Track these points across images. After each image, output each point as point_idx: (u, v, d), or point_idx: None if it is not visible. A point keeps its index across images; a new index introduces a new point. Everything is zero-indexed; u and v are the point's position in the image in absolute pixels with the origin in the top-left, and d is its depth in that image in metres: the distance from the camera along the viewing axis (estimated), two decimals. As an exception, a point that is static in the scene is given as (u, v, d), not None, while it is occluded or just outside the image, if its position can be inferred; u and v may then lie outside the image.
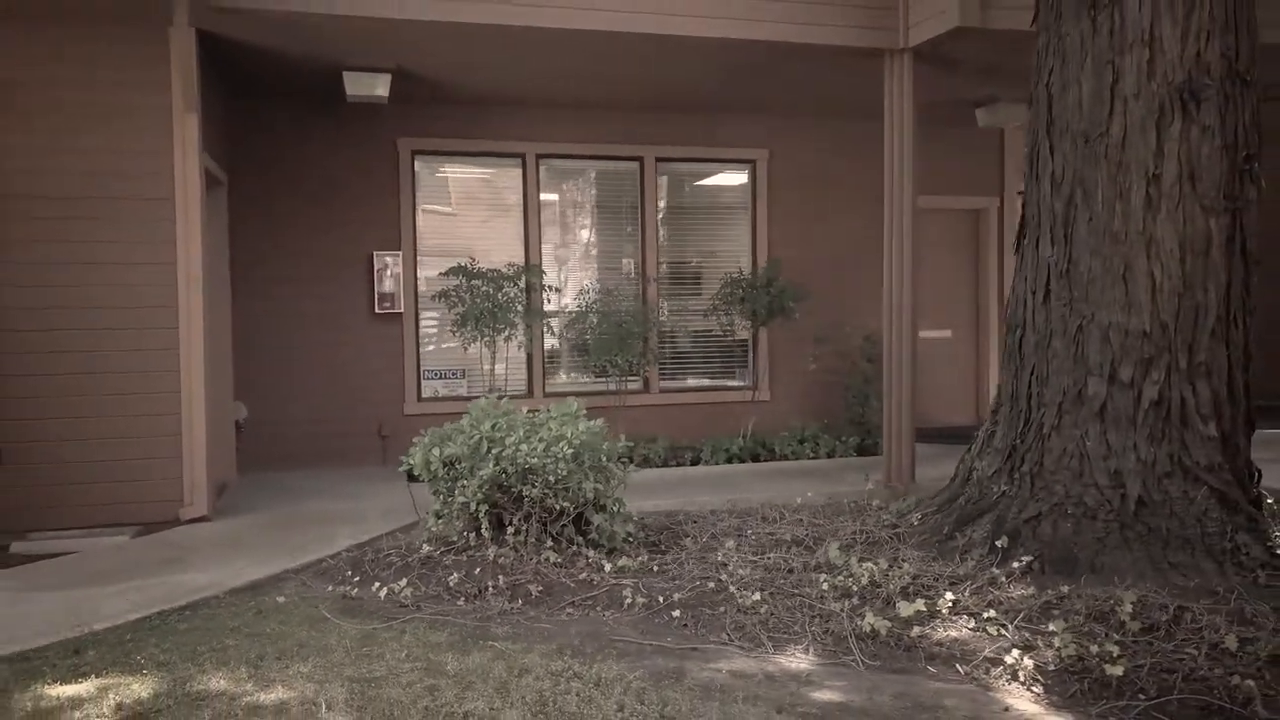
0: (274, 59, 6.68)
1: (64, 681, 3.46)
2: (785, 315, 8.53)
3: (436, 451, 5.08)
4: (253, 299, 7.78)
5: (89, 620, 4.25)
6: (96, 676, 3.49)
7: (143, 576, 4.95)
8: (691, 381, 9.03)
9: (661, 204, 8.91)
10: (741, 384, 9.03)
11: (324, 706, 3.13)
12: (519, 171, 8.49)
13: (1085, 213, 4.52)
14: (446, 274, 7.88)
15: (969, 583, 4.46)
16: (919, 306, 7.14)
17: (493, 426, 5.05)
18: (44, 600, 4.60)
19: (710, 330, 8.97)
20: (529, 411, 5.43)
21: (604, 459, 5.16)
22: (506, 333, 7.91)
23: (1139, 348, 4.40)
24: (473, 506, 4.95)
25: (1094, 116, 4.48)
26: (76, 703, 3.24)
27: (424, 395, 8.30)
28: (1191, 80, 4.28)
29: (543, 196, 8.59)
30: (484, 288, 7.74)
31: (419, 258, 8.28)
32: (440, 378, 8.40)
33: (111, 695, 3.29)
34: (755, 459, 8.21)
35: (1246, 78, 4.36)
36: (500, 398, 5.58)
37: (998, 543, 4.58)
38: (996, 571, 4.49)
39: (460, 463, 5.04)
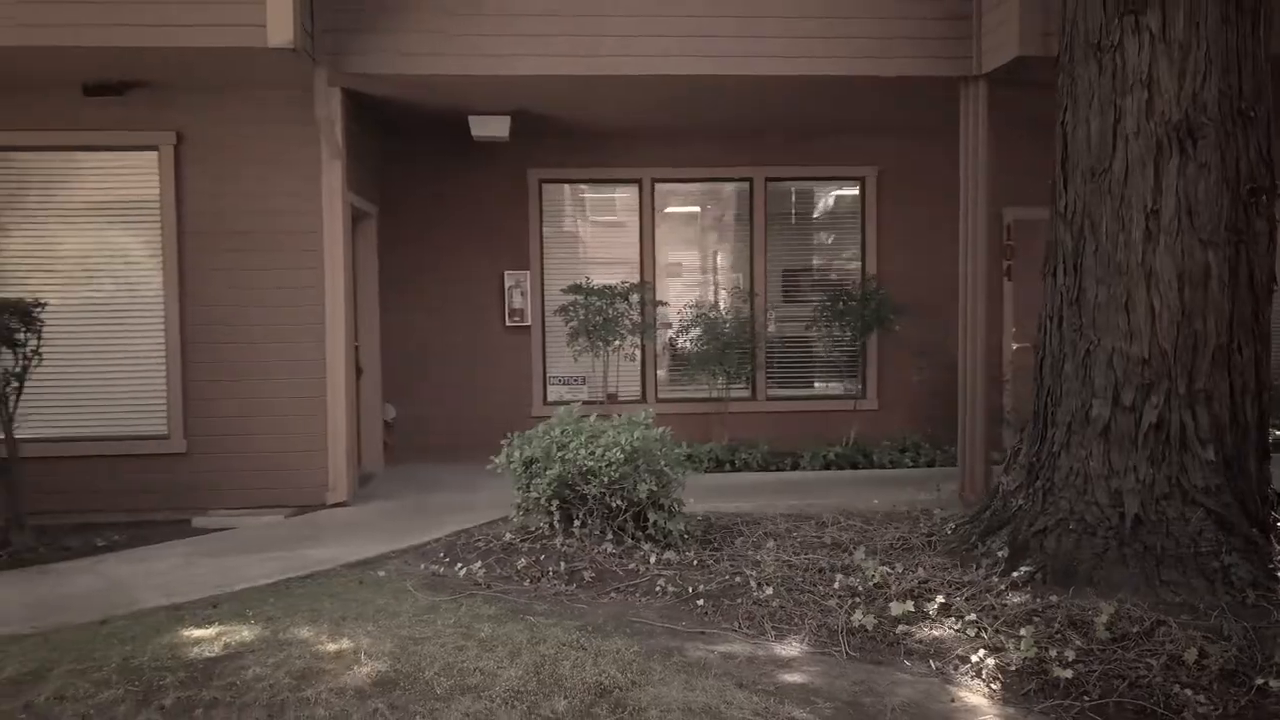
0: (410, 108, 7.73)
1: (197, 626, 4.48)
2: (884, 328, 8.87)
3: (516, 453, 5.90)
4: (400, 314, 8.90)
5: (232, 582, 5.32)
6: (220, 624, 4.50)
7: (282, 549, 6.03)
8: (798, 390, 9.50)
9: (770, 220, 9.40)
10: (847, 393, 9.40)
11: (365, 655, 3.97)
12: (636, 194, 9.24)
13: (1092, 244, 4.77)
14: (565, 291, 8.74)
15: (969, 588, 4.82)
16: (1018, 318, 7.36)
17: (561, 432, 5.82)
18: (206, 564, 5.75)
19: (817, 341, 9.39)
20: (618, 418, 6.15)
21: (661, 463, 5.81)
22: (616, 344, 8.68)
23: (1140, 373, 4.63)
24: (543, 501, 5.73)
25: (1099, 153, 4.73)
26: (198, 641, 4.23)
27: (549, 399, 9.19)
28: (1188, 119, 4.46)
29: (657, 216, 9.30)
30: (596, 303, 8.54)
31: (545, 275, 9.18)
32: (564, 383, 9.27)
33: (224, 637, 4.27)
34: (854, 466, 8.60)
35: (1251, 114, 4.49)
36: (578, 405, 6.34)
37: (1000, 553, 4.92)
38: (998, 580, 4.83)
39: (536, 463, 5.83)
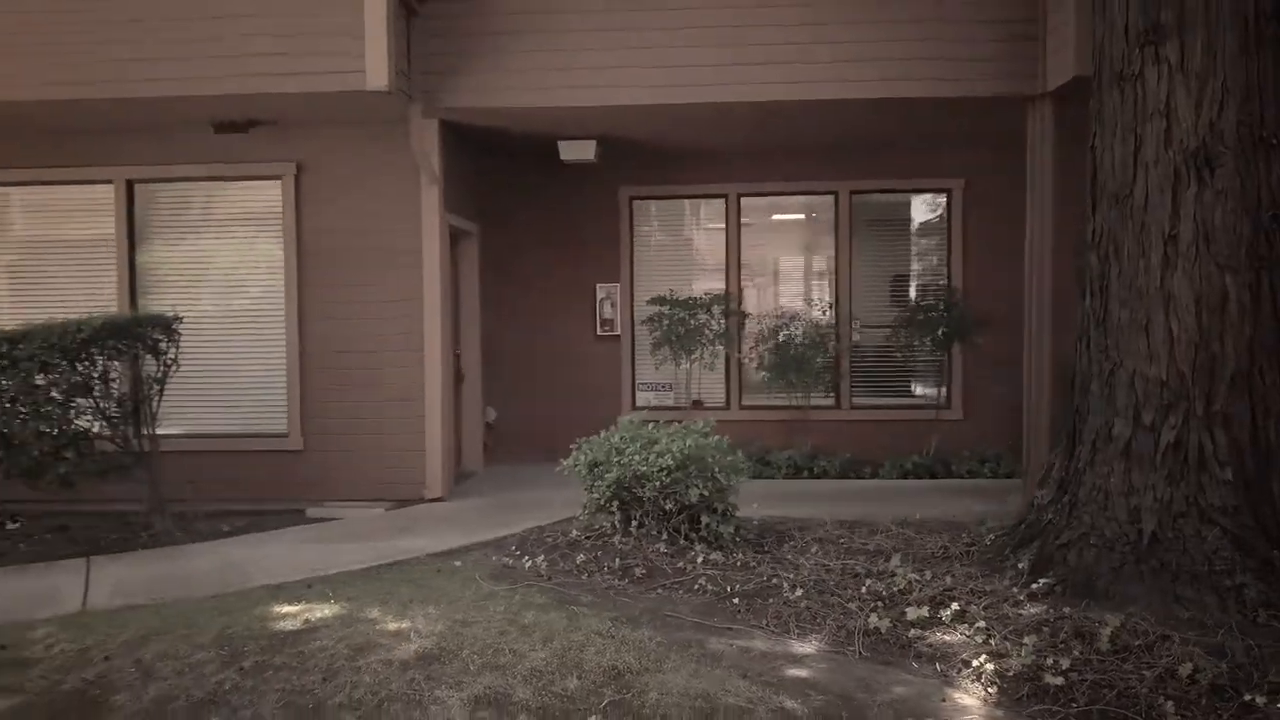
0: (504, 134, 8.36)
1: (288, 603, 5.17)
2: (964, 340, 8.97)
3: (582, 457, 6.41)
4: (500, 324, 9.57)
5: (328, 566, 6.03)
6: (306, 602, 5.17)
7: (377, 539, 6.74)
8: (882, 399, 9.67)
9: (855, 232, 9.61)
10: (930, 403, 9.52)
11: (417, 634, 4.55)
12: (722, 208, 9.63)
13: (1116, 268, 4.91)
14: (649, 302, 9.22)
15: (989, 597, 5.04)
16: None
17: (620, 438, 6.29)
18: (309, 550, 6.50)
19: (901, 351, 9.55)
20: (694, 424, 6.58)
21: (715, 469, 6.21)
22: (697, 354, 9.10)
23: (1159, 394, 4.74)
24: (603, 502, 6.22)
25: (1122, 179, 4.86)
26: (285, 616, 4.91)
27: (637, 404, 9.69)
28: (1205, 147, 4.55)
29: (743, 229, 9.65)
30: (678, 314, 8.99)
31: (634, 287, 9.69)
32: (652, 390, 9.75)
33: (306, 614, 4.93)
34: (933, 476, 8.75)
35: (1272, 142, 4.54)
36: (645, 411, 6.80)
37: (1020, 565, 5.11)
38: (1018, 591, 5.03)
39: (599, 466, 6.33)
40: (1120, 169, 4.87)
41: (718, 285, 9.59)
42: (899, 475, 8.72)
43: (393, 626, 4.72)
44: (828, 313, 9.60)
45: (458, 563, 6.11)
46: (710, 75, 7.25)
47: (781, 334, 9.32)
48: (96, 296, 7.99)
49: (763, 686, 4.16)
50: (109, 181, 7.95)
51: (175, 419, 7.69)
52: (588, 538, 6.35)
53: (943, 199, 9.52)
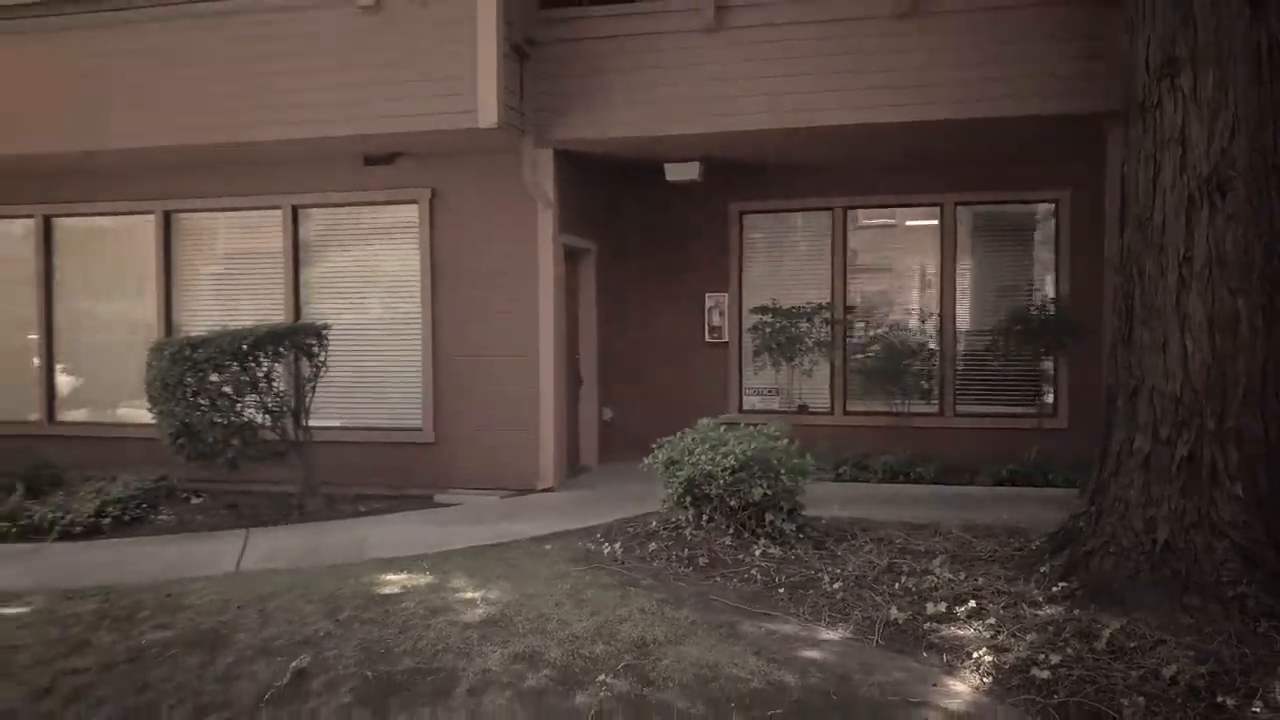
0: (614, 159, 9.12)
1: (393, 573, 6.09)
2: (1066, 349, 9.03)
3: (660, 455, 7.07)
4: (617, 331, 10.35)
5: (439, 544, 6.95)
6: (408, 573, 6.08)
7: (486, 523, 7.63)
8: (985, 407, 9.82)
9: (960, 244, 9.81)
10: (1033, 411, 9.60)
11: (485, 601, 5.35)
12: (829, 220, 10.04)
13: (1139, 288, 5.13)
14: (753, 311, 9.77)
15: (1010, 598, 5.36)
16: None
17: (693, 440, 6.91)
18: (427, 530, 7.46)
19: (1004, 360, 9.67)
20: (774, 429, 7.13)
21: (781, 471, 6.73)
22: (797, 360, 9.57)
23: (1174, 410, 4.95)
24: (676, 497, 6.87)
25: (1144, 204, 5.08)
26: (387, 583, 5.82)
27: (744, 408, 10.24)
28: (1217, 174, 4.73)
29: (849, 241, 10.03)
30: (779, 323, 9.49)
31: (743, 296, 10.24)
32: (758, 394, 10.28)
33: (404, 582, 5.84)
34: (1030, 484, 8.86)
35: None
36: (724, 416, 7.38)
37: (1045, 569, 5.40)
38: (1039, 593, 5.33)
39: (675, 464, 6.97)
40: (1143, 193, 5.10)
41: (824, 294, 10.01)
42: (993, 482, 8.88)
43: (469, 595, 5.54)
44: (930, 321, 9.84)
45: (548, 546, 6.89)
46: (812, 101, 7.73)
47: (882, 342, 9.65)
48: (270, 305, 9.30)
49: (770, 663, 4.71)
50: (277, 208, 9.23)
51: (326, 413, 8.86)
52: (664, 529, 7.00)
53: (1047, 209, 9.58)
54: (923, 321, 9.90)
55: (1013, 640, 4.87)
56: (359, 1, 7.71)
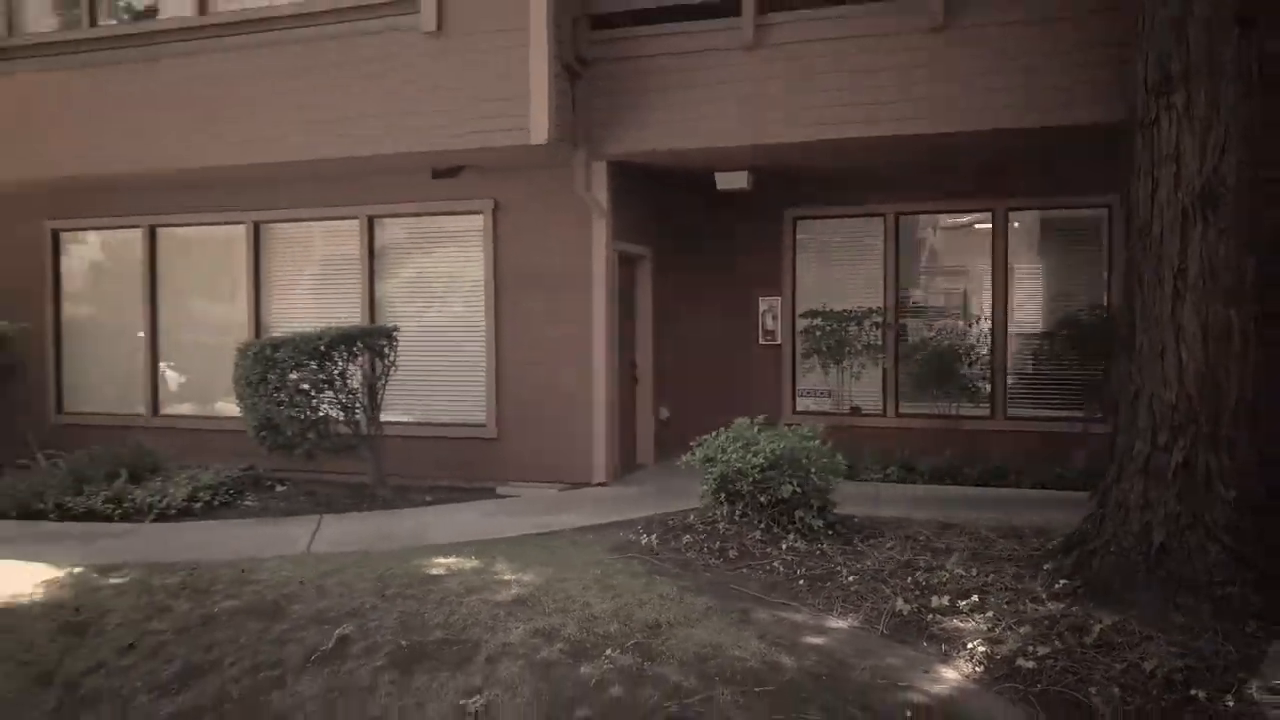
0: (667, 169, 9.53)
1: (443, 556, 6.63)
2: (1112, 353, 9.05)
3: (698, 453, 7.46)
4: (673, 332, 10.75)
5: (491, 532, 7.48)
6: (457, 557, 6.61)
7: (539, 515, 8.13)
8: (1035, 411, 9.90)
9: (1012, 248, 9.91)
10: (1082, 415, 9.64)
11: (519, 584, 5.83)
12: (881, 225, 10.26)
13: (1139, 298, 5.30)
14: (804, 315, 10.05)
15: (1014, 594, 5.59)
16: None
17: (728, 438, 7.28)
18: (484, 520, 8.00)
19: (1055, 364, 9.74)
20: (807, 429, 7.46)
21: (811, 470, 7.04)
22: (846, 363, 9.82)
23: (1171, 417, 5.12)
24: (712, 493, 7.25)
25: (1145, 217, 5.25)
26: (436, 565, 6.36)
27: (798, 409, 10.53)
28: (1209, 188, 4.89)
29: (900, 244, 10.22)
30: (828, 326, 9.76)
31: (796, 300, 10.53)
32: (810, 395, 10.56)
33: (451, 565, 6.36)
34: (1074, 488, 8.92)
35: (1274, 182, 4.80)
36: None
37: (1048, 567, 5.61)
38: (1042, 590, 5.55)
39: (709, 462, 7.35)
40: (1143, 207, 5.28)
41: (876, 298, 10.23)
42: (1039, 485, 8.98)
43: (507, 578, 6.04)
44: (981, 325, 9.97)
45: (590, 536, 7.35)
46: (852, 114, 8.02)
47: (933, 345, 9.83)
48: (348, 307, 10.00)
49: (773, 646, 5.06)
50: (355, 218, 9.93)
51: (397, 409, 9.49)
52: (701, 523, 7.38)
53: (1098, 215, 9.61)
54: (974, 325, 10.03)
55: (1008, 633, 5.12)
56: (424, 27, 8.29)
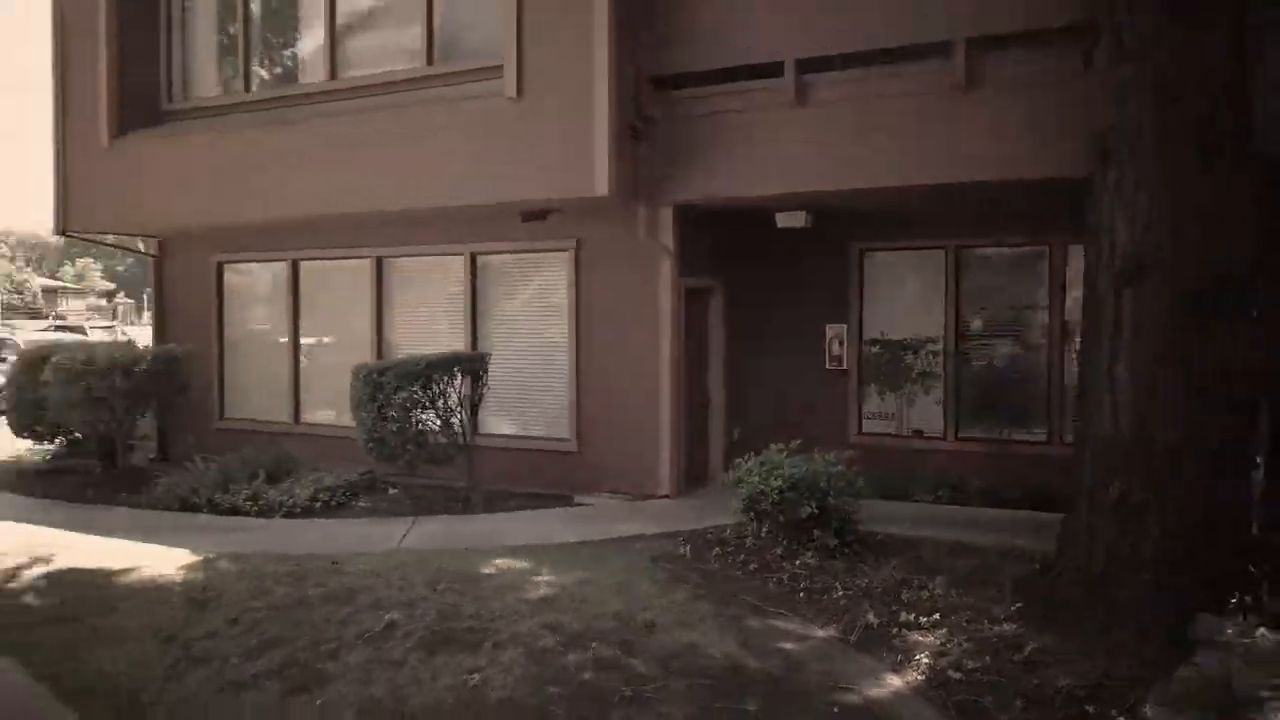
0: (730, 210, 10.39)
1: (502, 557, 7.77)
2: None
3: (731, 475, 8.32)
4: (743, 358, 11.58)
5: (552, 538, 8.57)
6: (510, 559, 7.73)
7: (600, 523, 9.18)
8: (1090, 438, 10.19)
9: (1070, 283, 10.23)
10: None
11: (549, 584, 6.88)
12: (942, 258, 10.78)
13: (1091, 348, 5.86)
14: (868, 343, 10.70)
15: (976, 614, 6.22)
16: None
17: (756, 462, 8.11)
18: (551, 526, 9.10)
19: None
20: (832, 455, 8.23)
21: (828, 493, 7.79)
22: (903, 389, 10.41)
23: (1109, 458, 5.67)
24: (741, 512, 8.10)
25: (1092, 276, 5.80)
26: (490, 564, 7.50)
27: (864, 430, 11.17)
28: (1138, 259, 5.41)
29: (961, 277, 10.71)
30: (886, 355, 10.38)
31: (863, 327, 11.17)
32: (876, 418, 11.17)
33: (504, 565, 7.49)
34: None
35: (1198, 253, 5.28)
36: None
37: (1012, 590, 6.22)
38: (1001, 612, 6.17)
39: (741, 483, 8.20)
40: (1092, 267, 5.83)
41: (938, 326, 10.76)
42: (1083, 511, 9.35)
43: (544, 578, 7.11)
44: (1039, 353, 10.35)
45: (637, 545, 8.33)
46: (872, 164, 8.72)
47: (991, 371, 10.30)
48: (454, 331, 11.36)
49: (744, 649, 5.92)
50: (460, 254, 11.27)
51: (491, 422, 10.76)
52: (735, 538, 8.25)
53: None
54: (1031, 353, 10.41)
55: (955, 648, 5.80)
56: (507, 93, 9.49)
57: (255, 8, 11.95)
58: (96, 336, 30.68)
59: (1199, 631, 4.92)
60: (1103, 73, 5.82)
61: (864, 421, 11.24)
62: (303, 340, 12.59)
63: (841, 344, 11.22)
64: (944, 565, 7.42)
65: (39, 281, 66.58)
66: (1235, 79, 5.38)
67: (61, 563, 8.04)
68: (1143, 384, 5.45)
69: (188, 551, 8.15)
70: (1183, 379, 5.36)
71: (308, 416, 12.54)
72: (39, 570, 7.91)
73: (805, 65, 8.80)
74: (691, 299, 10.60)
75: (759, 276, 11.57)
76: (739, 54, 9.08)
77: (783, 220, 10.25)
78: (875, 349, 10.68)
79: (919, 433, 10.95)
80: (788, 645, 6.04)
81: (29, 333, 24.96)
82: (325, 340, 12.54)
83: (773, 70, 8.94)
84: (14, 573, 7.86)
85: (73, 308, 69.84)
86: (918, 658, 5.75)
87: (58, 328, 34.97)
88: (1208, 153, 5.29)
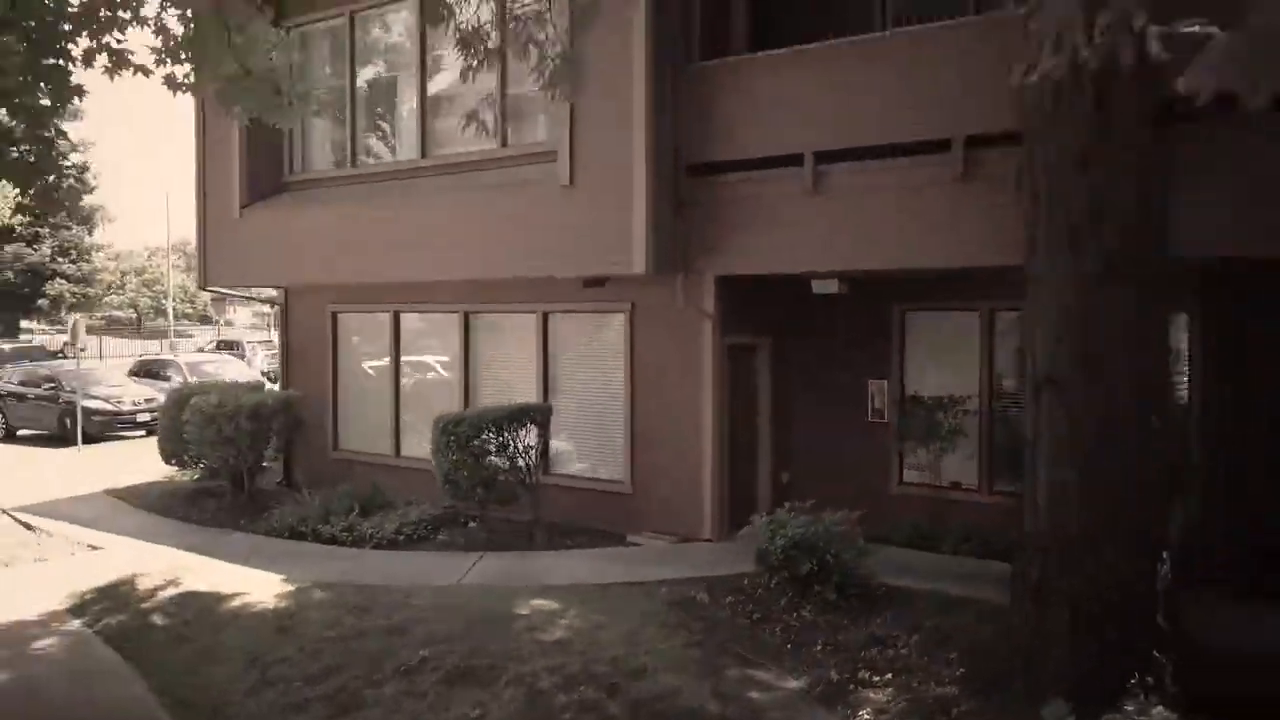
0: (769, 277, 11.29)
1: (541, 598, 8.95)
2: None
3: (747, 529, 9.26)
4: (789, 410, 12.41)
5: (593, 578, 9.68)
6: (549, 599, 8.89)
7: (640, 565, 10.22)
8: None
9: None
10: (1157, 506, 10.26)
11: (564, 625, 8.01)
12: (977, 320, 11.36)
13: (1025, 447, 6.57)
14: (908, 399, 11.40)
15: (925, 675, 7.01)
16: None
17: (766, 521, 9.02)
18: (597, 565, 10.22)
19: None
20: (839, 515, 9.08)
21: (827, 552, 8.62)
22: (943, 441, 11.08)
23: (1033, 542, 6.39)
24: (754, 564, 9.04)
25: (1021, 385, 6.52)
26: (528, 603, 8.69)
27: (904, 480, 11.85)
28: (1049, 372, 6.10)
29: (993, 338, 11.26)
30: (920, 411, 11.07)
31: (904, 383, 11.85)
32: (915, 470, 11.83)
33: (539, 605, 8.67)
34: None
35: (1104, 367, 5.94)
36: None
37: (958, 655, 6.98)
38: (947, 674, 6.93)
39: (752, 539, 9.13)
40: (1021, 376, 6.54)
41: (973, 384, 11.35)
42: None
43: (566, 621, 8.26)
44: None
45: (664, 589, 9.34)
46: (878, 246, 9.49)
47: (1007, 429, 10.84)
48: (528, 380, 12.65)
49: (714, 696, 6.92)
50: (534, 312, 12.56)
51: (558, 464, 12.00)
52: (751, 587, 9.17)
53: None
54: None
55: (895, 706, 6.63)
56: (561, 180, 10.70)
57: (361, 93, 13.57)
58: (253, 351, 33.83)
59: (1049, 716, 5.61)
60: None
61: (905, 471, 11.91)
62: (402, 381, 14.16)
63: (883, 398, 11.93)
64: (928, 622, 8.16)
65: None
66: (1143, 215, 6.00)
67: (188, 585, 9.72)
68: (1056, 484, 6.13)
69: (284, 579, 9.70)
70: (1091, 481, 6.01)
71: (406, 451, 14.09)
72: (170, 592, 9.61)
73: (822, 157, 9.64)
74: (737, 355, 11.55)
75: (804, 334, 12.39)
76: (765, 147, 10.00)
77: (818, 287, 11.07)
78: (914, 404, 11.35)
79: (956, 484, 11.54)
80: (755, 694, 6.98)
81: (189, 353, 27.81)
82: (423, 380, 14.07)
83: (796, 160, 9.82)
84: (153, 592, 9.59)
85: (240, 316, 75.75)
86: (861, 713, 6.61)
87: (219, 344, 38.34)
88: (1112, 278, 5.93)
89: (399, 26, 13.51)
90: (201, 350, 30.40)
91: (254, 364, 30.37)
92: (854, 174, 9.55)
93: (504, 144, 11.85)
